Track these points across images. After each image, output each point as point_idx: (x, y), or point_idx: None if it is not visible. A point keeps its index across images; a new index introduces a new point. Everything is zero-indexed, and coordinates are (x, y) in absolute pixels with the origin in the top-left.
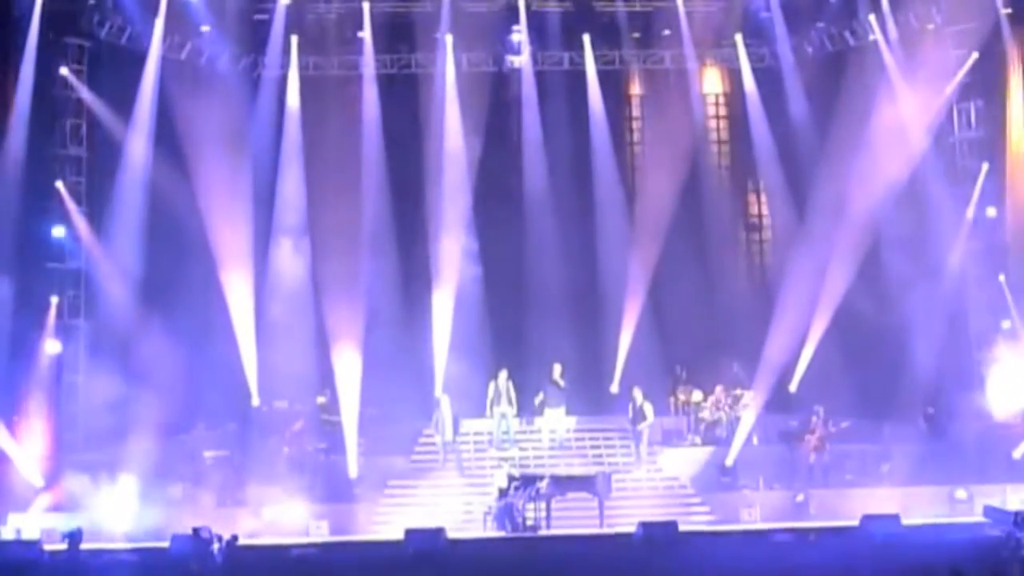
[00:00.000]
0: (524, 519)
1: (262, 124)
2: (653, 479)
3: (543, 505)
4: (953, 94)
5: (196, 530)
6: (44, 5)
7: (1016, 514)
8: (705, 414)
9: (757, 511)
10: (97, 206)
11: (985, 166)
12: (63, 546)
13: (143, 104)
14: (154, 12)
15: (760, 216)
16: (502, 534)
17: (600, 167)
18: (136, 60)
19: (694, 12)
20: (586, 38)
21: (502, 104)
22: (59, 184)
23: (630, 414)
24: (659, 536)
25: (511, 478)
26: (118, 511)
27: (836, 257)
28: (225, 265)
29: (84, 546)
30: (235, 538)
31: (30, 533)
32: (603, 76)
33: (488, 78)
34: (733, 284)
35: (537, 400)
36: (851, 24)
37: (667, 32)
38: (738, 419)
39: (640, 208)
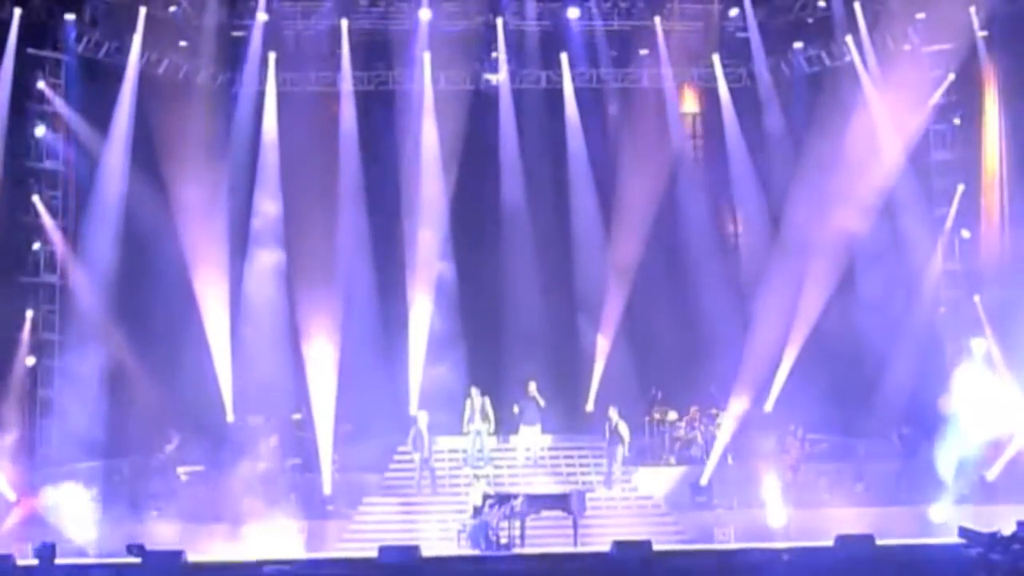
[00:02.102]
0: (498, 537)
1: (239, 140)
2: (628, 498)
3: (517, 523)
4: (929, 115)
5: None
6: (21, 19)
7: (990, 535)
8: (680, 433)
9: (731, 531)
10: (73, 221)
11: (961, 187)
12: (35, 561)
13: (120, 119)
14: (132, 27)
15: (736, 235)
16: (476, 552)
17: (577, 185)
18: (114, 75)
19: (672, 31)
20: (564, 57)
21: (479, 122)
22: (35, 198)
23: (606, 433)
24: (633, 555)
25: (486, 496)
26: (91, 526)
27: (811, 277)
28: (201, 280)
29: (57, 561)
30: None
31: (2, 548)
32: (580, 95)
33: (466, 96)
34: (709, 303)
35: (515, 410)
36: (828, 45)
37: (645, 51)
38: (713, 439)
39: (616, 226)
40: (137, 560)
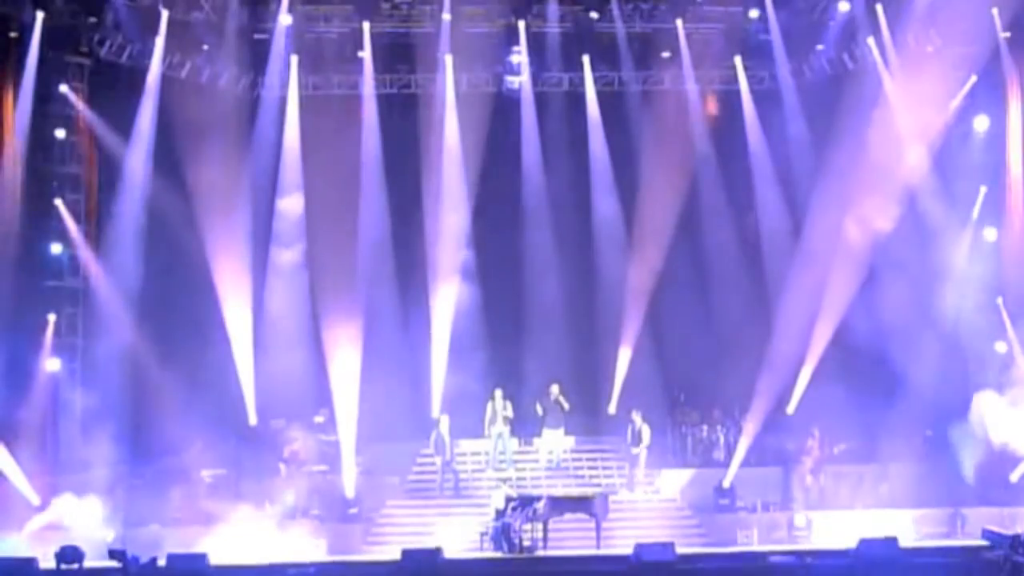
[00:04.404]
0: (521, 540)
1: (261, 144)
2: (650, 500)
3: (540, 526)
4: (952, 117)
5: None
6: (44, 22)
7: (1014, 537)
8: (703, 436)
9: (754, 533)
10: (96, 224)
11: (984, 189)
12: (61, 564)
13: (143, 122)
14: (154, 31)
15: (758, 238)
16: (499, 555)
17: (599, 188)
18: (136, 78)
19: (694, 34)
20: (586, 59)
21: (501, 125)
22: (58, 202)
23: (628, 436)
24: (656, 558)
25: (508, 499)
26: (114, 529)
27: (834, 279)
28: (223, 283)
29: (75, 564)
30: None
31: (26, 552)
32: (602, 97)
33: (488, 99)
34: (731, 305)
35: (539, 409)
36: (850, 47)
37: (667, 54)
38: (736, 441)
39: (638, 230)
40: (160, 562)
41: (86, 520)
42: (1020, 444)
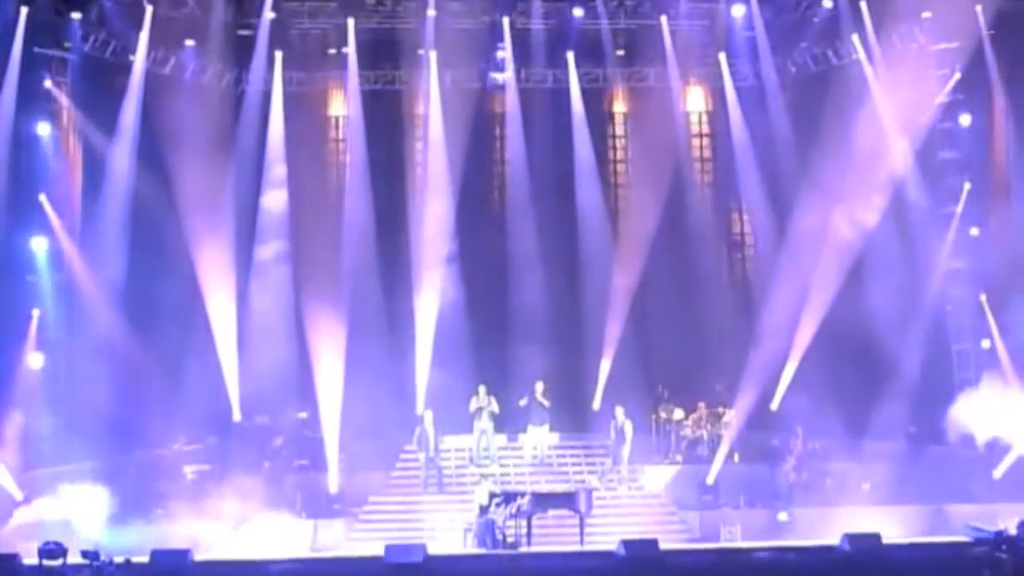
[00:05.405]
0: (505, 536)
1: (246, 139)
2: (634, 497)
3: (524, 522)
4: (936, 113)
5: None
6: (28, 17)
7: (997, 534)
8: (687, 432)
9: (738, 529)
10: (80, 219)
11: (967, 185)
12: (43, 560)
13: (127, 118)
14: (138, 26)
15: (743, 234)
16: (482, 551)
17: (583, 184)
18: (120, 74)
19: (678, 31)
20: (570, 56)
21: (486, 121)
22: (42, 197)
23: (612, 432)
24: (640, 554)
25: (492, 495)
26: (98, 525)
27: (819, 276)
28: (207, 279)
29: (58, 560)
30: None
31: (8, 548)
32: (587, 93)
33: (472, 95)
34: (715, 302)
35: (522, 402)
36: (834, 44)
37: (651, 51)
38: (719, 437)
39: (623, 225)
40: (144, 559)
41: (70, 515)
42: (1005, 440)
